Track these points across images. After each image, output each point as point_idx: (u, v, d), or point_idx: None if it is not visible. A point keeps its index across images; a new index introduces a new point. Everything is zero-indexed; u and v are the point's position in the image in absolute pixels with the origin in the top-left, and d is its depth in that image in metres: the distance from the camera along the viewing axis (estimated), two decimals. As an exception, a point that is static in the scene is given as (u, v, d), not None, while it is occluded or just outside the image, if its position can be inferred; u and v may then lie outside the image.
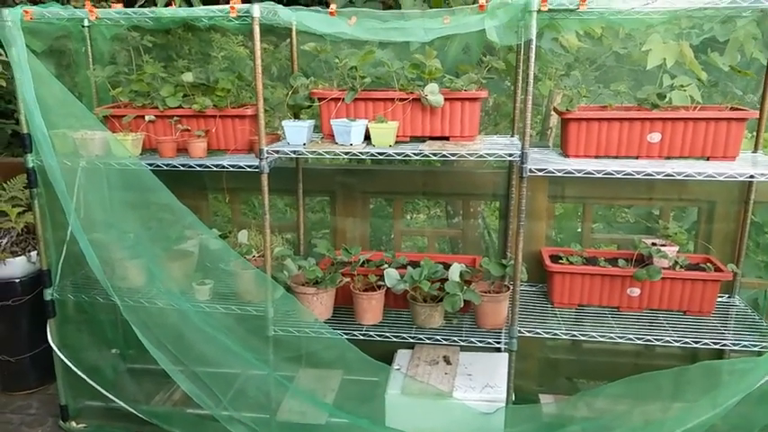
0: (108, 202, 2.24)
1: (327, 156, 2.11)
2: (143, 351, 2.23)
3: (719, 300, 2.36)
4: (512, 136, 2.43)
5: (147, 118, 2.29)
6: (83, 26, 2.44)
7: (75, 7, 2.19)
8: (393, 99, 2.17)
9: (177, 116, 2.29)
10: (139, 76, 2.37)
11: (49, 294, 2.39)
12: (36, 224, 2.32)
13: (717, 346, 2.08)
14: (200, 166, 2.18)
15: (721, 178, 1.90)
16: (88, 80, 2.52)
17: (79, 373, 2.41)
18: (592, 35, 3.11)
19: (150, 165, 2.16)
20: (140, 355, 2.39)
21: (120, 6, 2.13)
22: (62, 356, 2.41)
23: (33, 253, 2.69)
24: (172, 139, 2.26)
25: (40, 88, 2.10)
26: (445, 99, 2.14)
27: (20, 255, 2.69)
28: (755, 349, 2.06)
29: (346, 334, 2.20)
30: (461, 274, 2.23)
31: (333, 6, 2.14)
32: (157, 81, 2.38)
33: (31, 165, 2.24)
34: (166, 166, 2.19)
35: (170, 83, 2.35)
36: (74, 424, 2.53)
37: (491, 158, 2.04)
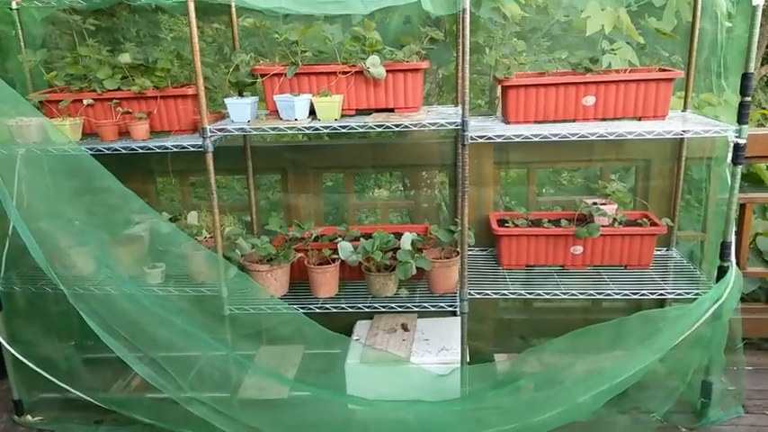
0: (50, 190, 2.19)
1: (272, 132, 2.11)
2: (98, 340, 2.21)
3: (658, 253, 2.49)
4: (456, 105, 2.47)
5: (85, 102, 2.24)
6: (10, 9, 2.34)
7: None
8: (336, 73, 2.18)
9: (117, 99, 2.24)
10: (74, 58, 2.30)
11: (-6, 287, 2.33)
12: (-25, 216, 2.25)
13: (654, 296, 2.21)
14: (142, 148, 2.15)
15: (650, 136, 2.00)
16: (20, 66, 2.43)
17: (31, 366, 2.36)
18: (535, 4, 3.17)
19: (91, 149, 2.11)
20: (96, 344, 2.36)
21: (46, -14, 2.06)
22: (11, 350, 2.37)
23: (-24, 247, 2.61)
24: (112, 122, 2.22)
25: (-35, 75, 2.03)
26: (387, 71, 2.15)
27: (-39, 249, 2.60)
28: (690, 297, 2.18)
29: (303, 308, 2.23)
30: (413, 243, 2.28)
31: (269, -20, 2.12)
32: (94, 63, 2.32)
33: (-36, 156, 2.16)
34: (108, 149, 2.15)
35: (107, 65, 2.29)
36: (29, 417, 2.50)
37: (433, 128, 2.08)
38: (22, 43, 2.39)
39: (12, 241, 2.28)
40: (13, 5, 2.34)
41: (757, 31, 1.80)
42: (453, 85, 3.73)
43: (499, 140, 2.02)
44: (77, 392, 2.39)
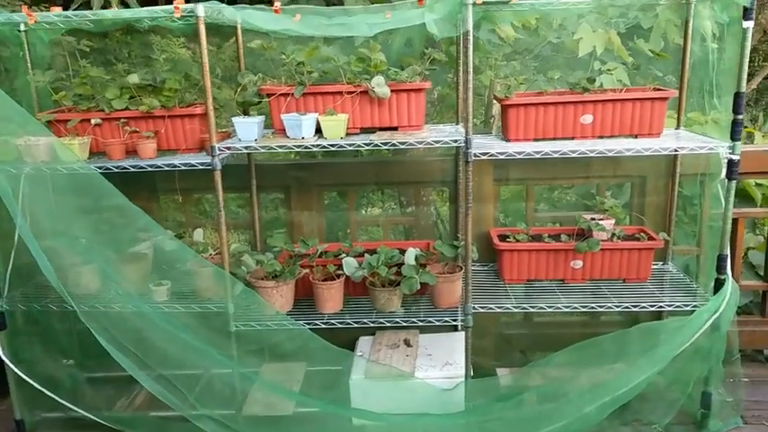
0: (56, 208, 2.20)
1: (280, 150, 2.16)
2: (100, 359, 2.19)
3: (655, 267, 2.55)
4: (456, 124, 2.54)
5: (93, 121, 2.27)
6: (19, 31, 2.38)
7: (13, 11, 2.14)
8: (341, 92, 2.23)
9: (124, 118, 2.27)
10: (82, 79, 2.34)
11: (-2, 306, 2.33)
12: (-21, 235, 2.26)
13: (653, 309, 2.26)
14: (150, 166, 2.18)
15: (647, 153, 2.07)
16: (27, 86, 2.45)
17: (35, 384, 2.35)
18: (528, 26, 3.27)
19: (99, 168, 2.14)
20: (98, 363, 2.35)
21: (59, 9, 2.10)
22: (15, 369, 2.35)
23: (-22, 266, 2.60)
24: (120, 141, 2.25)
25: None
26: (391, 91, 2.22)
27: (-36, 269, 2.59)
28: (688, 309, 2.24)
29: (308, 324, 2.24)
30: (417, 258, 2.32)
31: (277, 4, 2.18)
32: (101, 84, 2.36)
33: (-30, 175, 2.17)
34: (116, 168, 2.18)
35: (115, 85, 2.33)
36: (31, 438, 2.48)
37: (438, 145, 2.14)
38: (29, 64, 2.43)
39: (15, 261, 2.29)
40: (22, 27, 2.38)
41: (748, 52, 1.89)
42: (449, 105, 3.82)
43: (502, 157, 2.08)
44: (81, 411, 2.37)
